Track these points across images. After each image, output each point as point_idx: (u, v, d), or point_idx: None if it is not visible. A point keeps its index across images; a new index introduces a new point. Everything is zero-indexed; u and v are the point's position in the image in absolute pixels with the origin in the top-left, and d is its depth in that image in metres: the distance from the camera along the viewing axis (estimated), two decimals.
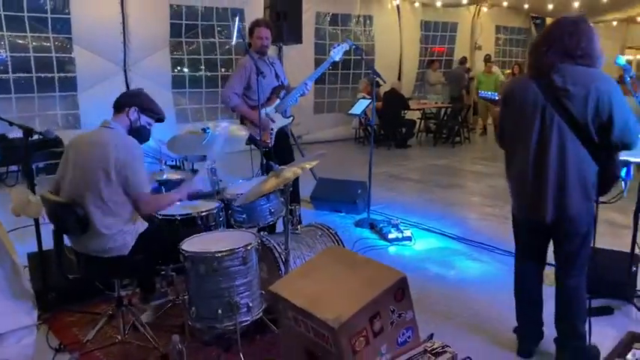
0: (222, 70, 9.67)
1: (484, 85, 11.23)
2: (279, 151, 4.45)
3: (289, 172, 2.62)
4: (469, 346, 2.81)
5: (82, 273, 2.80)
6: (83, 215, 2.59)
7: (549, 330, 2.86)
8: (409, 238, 4.62)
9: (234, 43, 4.27)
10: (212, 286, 2.56)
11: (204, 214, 3.11)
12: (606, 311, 3.31)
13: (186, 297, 2.67)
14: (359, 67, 11.11)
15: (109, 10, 8.06)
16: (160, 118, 3.01)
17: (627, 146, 2.49)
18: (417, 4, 11.68)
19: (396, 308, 1.88)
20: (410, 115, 10.69)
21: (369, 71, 11.11)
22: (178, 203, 3.21)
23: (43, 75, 7.87)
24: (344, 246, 3.24)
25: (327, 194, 5.48)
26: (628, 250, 3.40)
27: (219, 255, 2.53)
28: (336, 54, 4.56)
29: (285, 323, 2.03)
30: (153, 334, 2.85)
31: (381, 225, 4.83)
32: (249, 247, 2.61)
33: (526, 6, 12.79)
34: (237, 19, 4.20)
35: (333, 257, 2.12)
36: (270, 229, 3.75)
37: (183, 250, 2.60)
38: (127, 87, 8.30)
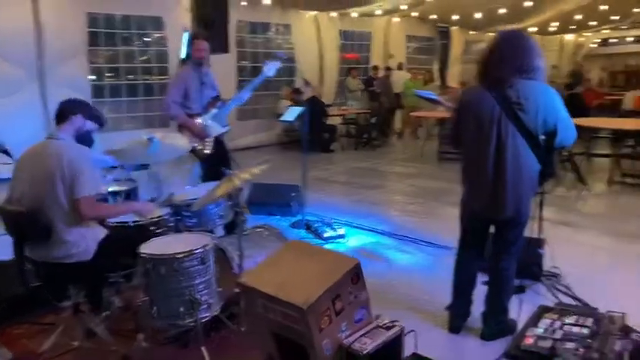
0: (143, 78, 9.59)
1: (410, 91, 11.93)
2: (217, 159, 4.60)
3: (241, 176, 2.83)
4: (407, 325, 3.14)
5: (42, 281, 2.83)
6: (47, 222, 2.66)
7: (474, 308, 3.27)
8: (342, 236, 4.94)
9: (183, 56, 4.35)
10: (173, 286, 2.71)
11: (155, 219, 3.22)
12: (520, 290, 3.78)
13: (145, 299, 2.79)
14: (280, 75, 11.36)
15: (22, 19, 7.76)
16: (102, 123, 3.12)
17: (565, 147, 2.96)
18: (334, 14, 12.13)
19: (352, 290, 2.15)
20: (331, 120, 11.10)
21: (291, 78, 11.56)
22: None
23: None
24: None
25: (262, 199, 5.68)
26: (535, 236, 3.91)
27: (180, 256, 2.69)
28: (269, 70, 4.80)
29: (253, 312, 2.24)
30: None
31: (316, 225, 5.12)
32: (207, 248, 2.79)
33: (434, 16, 13.64)
34: (186, 33, 4.29)
35: (294, 250, 2.36)
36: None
37: (143, 253, 2.73)
38: (43, 98, 8.04)
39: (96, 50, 8.90)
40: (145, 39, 9.48)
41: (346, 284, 2.11)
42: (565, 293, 3.72)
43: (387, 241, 4.96)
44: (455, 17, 13.03)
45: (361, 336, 2.15)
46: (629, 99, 9.71)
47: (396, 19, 13.70)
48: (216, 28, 6.30)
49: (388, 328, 2.21)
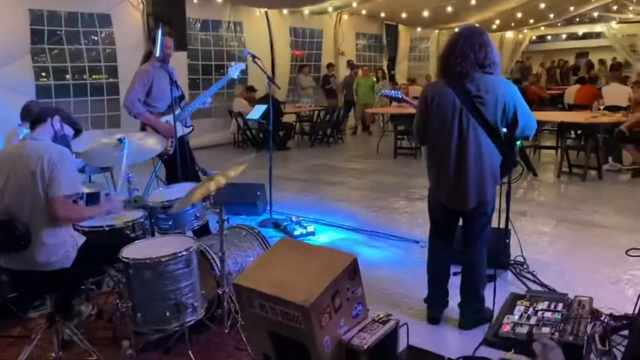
0: (92, 77, 9.25)
1: (362, 88, 12.09)
2: (181, 159, 4.50)
3: (221, 177, 2.80)
4: None
5: (19, 291, 2.70)
6: (24, 231, 2.54)
7: (451, 300, 3.36)
8: (312, 233, 4.96)
9: (158, 54, 4.21)
10: (159, 290, 2.65)
11: (130, 223, 3.14)
12: (490, 279, 3.92)
13: (129, 304, 2.71)
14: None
15: None
16: (78, 130, 3.03)
17: (527, 137, 3.10)
18: (285, 12, 12.10)
19: (350, 286, 2.17)
20: (286, 118, 11.08)
21: (244, 76, 11.44)
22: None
23: None
24: (267, 242, 3.45)
25: (227, 198, 5.56)
26: (502, 226, 4.06)
27: (165, 259, 2.63)
28: (234, 72, 4.77)
29: (249, 312, 2.22)
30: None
31: (285, 223, 5.11)
32: (191, 250, 2.74)
33: (382, 14, 13.84)
34: (159, 30, 4.16)
35: (287, 248, 2.35)
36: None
37: (126, 258, 2.65)
38: None
39: (40, 49, 8.50)
40: (92, 37, 9.14)
41: (344, 280, 2.13)
42: (533, 280, 3.88)
43: (356, 236, 5.02)
44: (404, 15, 13.25)
45: (359, 331, 2.17)
46: (570, 93, 10.19)
47: (345, 17, 13.80)
48: (173, 26, 6.15)
49: (384, 323, 2.25)
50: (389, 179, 7.59)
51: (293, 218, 5.26)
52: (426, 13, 12.67)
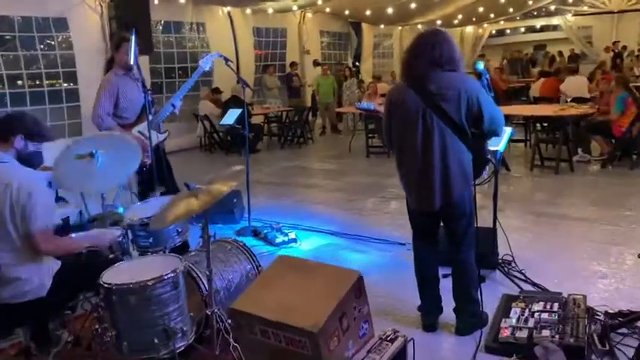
0: (49, 84, 8.85)
1: (323, 87, 11.94)
2: (158, 169, 4.29)
3: (215, 189, 2.62)
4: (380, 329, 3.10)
5: None
6: None
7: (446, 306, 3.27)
8: (295, 240, 4.82)
9: (132, 62, 3.96)
10: (145, 316, 2.46)
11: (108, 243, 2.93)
12: (481, 280, 3.86)
13: (113, 333, 2.52)
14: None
15: None
16: (48, 139, 2.78)
17: (495, 133, 3.01)
18: (248, 11, 11.88)
19: (356, 304, 2.05)
20: (254, 119, 10.87)
21: (208, 78, 11.19)
22: (73, 235, 3.00)
23: None
24: (254, 256, 3.30)
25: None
26: (490, 226, 4.01)
27: (151, 283, 2.44)
28: (205, 63, 4.55)
29: (249, 339, 2.08)
30: None
31: (265, 231, 4.95)
32: (177, 271, 2.56)
33: (347, 12, 13.76)
34: (132, 37, 3.90)
35: (286, 267, 2.21)
36: None
37: (107, 283, 2.45)
38: None
39: None
40: (48, 42, 8.73)
41: (351, 300, 2.01)
42: (523, 280, 3.84)
43: (339, 241, 4.90)
44: (368, 13, 13.20)
45: (368, 352, 2.05)
46: (536, 86, 10.32)
47: (309, 15, 13.67)
48: (138, 29, 5.87)
49: (392, 341, 2.13)
50: (364, 179, 7.50)
51: (273, 225, 5.10)
52: (390, 10, 12.65)
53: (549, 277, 3.85)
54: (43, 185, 2.52)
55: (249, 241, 4.95)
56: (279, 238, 4.78)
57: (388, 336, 2.16)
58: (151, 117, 4.30)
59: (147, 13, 6.15)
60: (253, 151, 10.30)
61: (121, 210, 3.92)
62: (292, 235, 4.85)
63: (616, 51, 16.77)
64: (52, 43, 8.77)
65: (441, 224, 3.21)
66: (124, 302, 2.45)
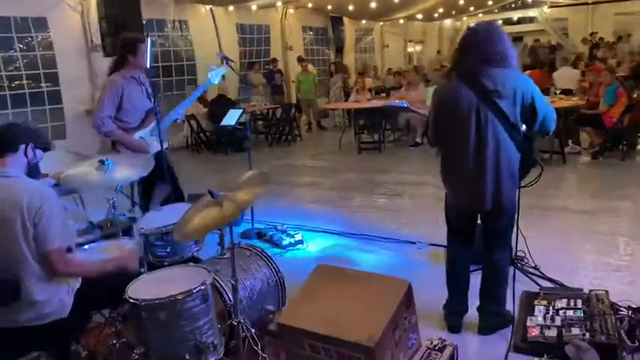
0: (30, 86, 8.57)
1: (304, 84, 11.83)
2: (158, 177, 4.11)
3: (240, 198, 2.53)
4: None
5: (4, 351, 2.31)
6: (14, 280, 2.17)
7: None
8: (301, 242, 4.73)
9: (148, 66, 3.79)
10: (176, 332, 2.36)
11: None
12: None
13: (141, 350, 2.41)
14: (181, 74, 10.86)
15: None
16: (49, 149, 2.65)
17: (547, 132, 2.97)
18: (231, 8, 11.69)
19: (406, 315, 1.99)
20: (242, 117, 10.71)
21: (192, 76, 11.01)
22: (87, 247, 2.88)
23: None
24: (273, 262, 3.22)
25: None
26: None
27: (181, 297, 2.34)
28: (214, 77, 4.43)
29: (297, 354, 2.00)
30: None
31: (270, 233, 4.86)
32: (207, 283, 2.46)
33: (329, 7, 13.65)
34: (149, 38, 3.74)
35: (327, 276, 2.13)
36: None
37: (135, 299, 2.34)
38: None
39: None
40: (28, 42, 8.45)
41: (402, 310, 1.94)
42: (539, 276, 3.82)
43: (346, 241, 4.83)
44: (350, 8, 13.12)
45: None
46: None
47: (291, 11, 13.53)
48: (130, 29, 5.71)
49: (441, 350, 2.08)
50: (360, 176, 7.45)
51: (277, 227, 5.00)
52: (373, 5, 12.58)
53: (562, 272, 3.84)
54: (56, 200, 2.37)
55: (255, 243, 4.84)
56: (286, 240, 4.69)
57: (436, 345, 2.11)
58: (154, 124, 4.16)
59: (138, 12, 5.96)
60: (241, 150, 10.17)
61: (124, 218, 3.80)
62: (299, 237, 4.76)
63: (593, 42, 17.05)
64: (32, 43, 8.49)
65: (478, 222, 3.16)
66: (154, 318, 2.34)
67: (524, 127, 2.93)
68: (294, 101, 12.54)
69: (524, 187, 3.07)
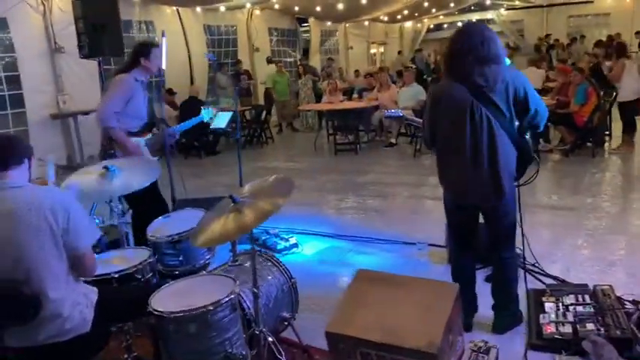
0: (7, 89, 8.17)
1: (279, 85, 11.75)
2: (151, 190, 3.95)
3: (261, 207, 2.45)
4: None
5: None
6: (32, 294, 2.02)
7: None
8: (296, 245, 4.67)
9: (164, 67, 3.62)
10: (207, 344, 2.27)
11: (141, 266, 2.68)
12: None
13: None
14: (152, 76, 10.53)
15: None
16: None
17: (537, 127, 2.99)
18: (198, 9, 11.46)
19: (456, 318, 1.96)
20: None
21: (162, 79, 10.69)
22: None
23: None
24: (286, 268, 3.15)
25: None
26: None
27: (212, 308, 2.25)
28: (206, 114, 4.47)
29: None
30: None
31: (264, 237, 4.77)
32: (235, 293, 2.37)
33: (296, 8, 13.59)
34: (163, 38, 3.58)
35: (370, 281, 2.09)
36: None
37: (163, 312, 2.23)
38: None
39: None
40: None
41: (455, 314, 1.91)
42: (540, 273, 3.87)
43: (340, 244, 4.79)
44: (318, 9, 13.10)
45: None
46: None
47: (257, 12, 13.38)
48: (109, 29, 5.49)
49: (486, 352, 2.06)
50: (340, 178, 7.42)
51: (269, 231, 4.91)
52: (340, 6, 12.59)
53: (561, 269, 3.91)
54: (73, 200, 2.27)
55: (248, 248, 4.75)
56: (281, 244, 4.61)
57: (480, 347, 2.09)
58: (150, 135, 4.03)
59: (116, 13, 5.73)
60: (214, 153, 10.00)
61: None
62: (293, 241, 4.69)
63: (548, 44, 17.63)
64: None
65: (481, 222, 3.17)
66: (183, 330, 2.24)
67: (517, 123, 2.96)
68: (262, 102, 12.41)
69: (523, 185, 3.10)
